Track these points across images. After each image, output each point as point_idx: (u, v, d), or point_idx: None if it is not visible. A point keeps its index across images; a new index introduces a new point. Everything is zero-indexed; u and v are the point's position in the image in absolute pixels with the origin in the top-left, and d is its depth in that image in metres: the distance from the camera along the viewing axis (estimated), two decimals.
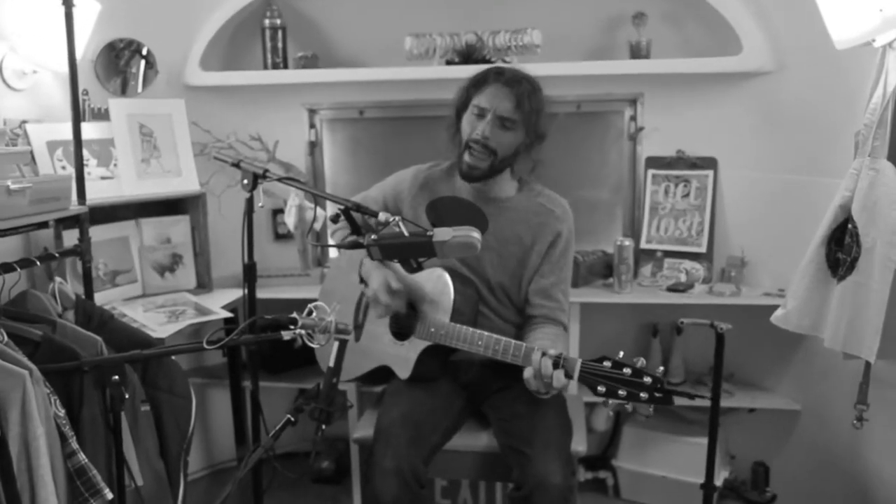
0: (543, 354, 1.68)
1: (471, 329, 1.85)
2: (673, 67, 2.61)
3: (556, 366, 1.66)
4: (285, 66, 2.82)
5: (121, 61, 2.68)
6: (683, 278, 2.71)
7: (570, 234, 2.03)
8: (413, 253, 1.67)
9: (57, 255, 2.03)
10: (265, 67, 2.82)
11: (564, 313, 2.02)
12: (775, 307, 2.12)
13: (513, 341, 1.79)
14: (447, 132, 1.99)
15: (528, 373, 1.70)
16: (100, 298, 2.32)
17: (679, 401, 1.64)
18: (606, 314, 2.79)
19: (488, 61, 2.64)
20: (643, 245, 2.81)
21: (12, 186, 1.79)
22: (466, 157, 1.91)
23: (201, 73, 2.77)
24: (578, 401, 2.29)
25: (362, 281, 1.97)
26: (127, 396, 1.58)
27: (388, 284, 1.87)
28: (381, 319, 2.00)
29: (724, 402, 2.37)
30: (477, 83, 1.92)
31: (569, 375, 1.65)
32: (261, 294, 2.06)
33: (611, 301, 2.62)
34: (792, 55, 2.52)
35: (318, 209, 2.28)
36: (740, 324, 2.05)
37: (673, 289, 2.62)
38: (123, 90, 2.70)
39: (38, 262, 1.92)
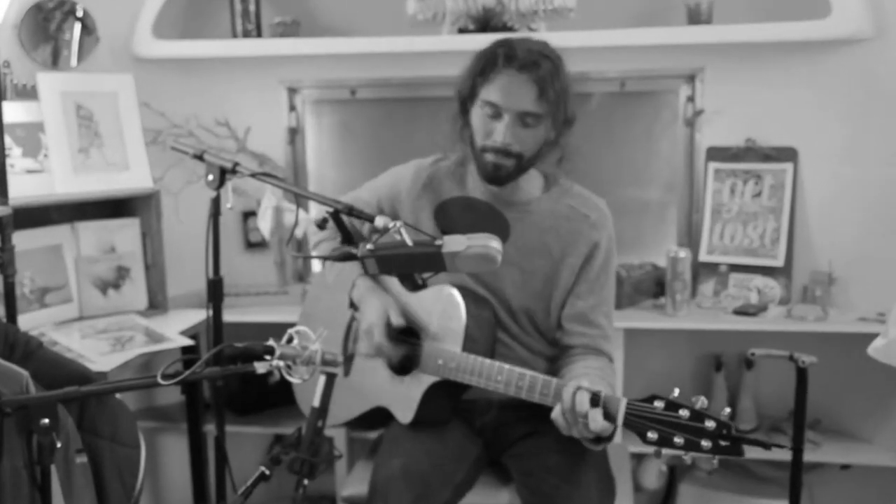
0: (579, 388, 1.67)
1: (488, 361, 1.84)
2: (741, 35, 2.60)
3: (594, 404, 1.64)
4: (259, 35, 2.83)
5: (51, 25, 2.68)
6: (755, 299, 2.70)
7: (611, 243, 2.02)
8: (418, 266, 1.66)
9: None
10: (234, 36, 2.83)
11: (609, 341, 2.01)
12: (874, 336, 2.10)
13: (541, 376, 1.78)
14: (452, 125, 1.98)
15: (556, 411, 1.69)
16: (25, 322, 2.31)
17: (751, 452, 1.61)
18: (657, 343, 2.78)
19: (510, 29, 2.64)
20: (703, 257, 2.80)
21: None
22: (489, 157, 1.90)
23: (154, 41, 2.77)
24: (623, 451, 2.27)
25: (353, 305, 1.97)
26: (59, 445, 1.57)
27: (388, 320, 1.87)
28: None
29: (809, 456, 2.34)
30: (483, 70, 1.88)
31: (611, 418, 1.64)
32: (228, 316, 2.05)
33: (662, 326, 2.61)
34: None
35: (300, 212, 2.28)
36: (828, 356, 2.03)
37: (741, 311, 2.61)
38: (55, 62, 2.70)
39: None
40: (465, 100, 1.93)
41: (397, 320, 1.88)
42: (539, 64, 1.84)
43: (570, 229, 1.99)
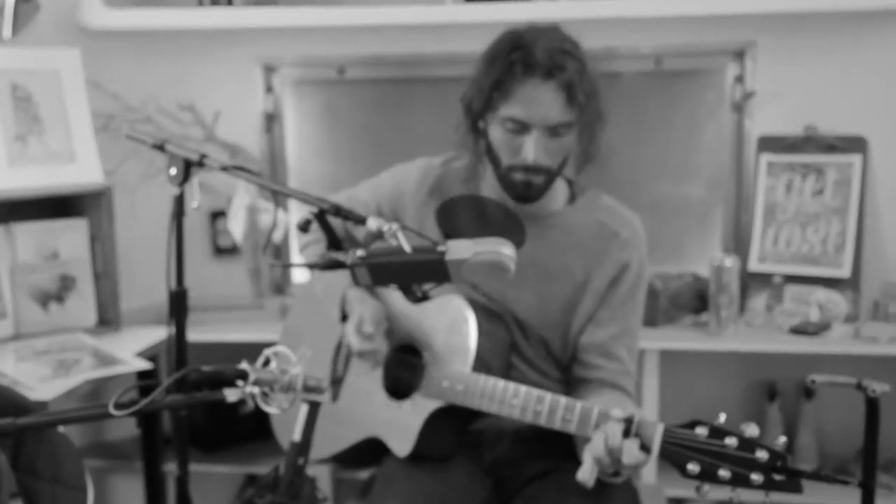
0: (608, 417, 1.67)
1: (501, 382, 1.85)
2: (799, 3, 2.61)
3: (626, 433, 1.65)
4: (230, 3, 2.84)
5: None
6: (815, 316, 2.70)
7: (642, 265, 2.02)
8: (417, 276, 1.66)
9: None
10: (200, 4, 2.84)
11: (630, 377, 2.01)
12: None
13: (562, 399, 1.78)
14: (466, 135, 1.97)
15: (589, 456, 1.69)
16: None
17: (810, 495, 1.61)
18: (699, 367, 2.79)
19: None
20: (754, 266, 2.81)
21: None
22: (518, 177, 1.90)
23: (105, 10, 2.78)
24: (657, 493, 2.29)
25: (345, 318, 1.98)
26: None
27: (361, 324, 1.89)
28: (371, 372, 2.01)
29: (883, 502, 2.33)
30: (500, 83, 1.87)
31: (646, 447, 1.64)
32: (193, 335, 2.05)
33: (705, 347, 2.62)
34: None
35: (279, 212, 2.28)
36: None
37: (799, 330, 2.62)
38: None
39: None
40: (479, 114, 1.93)
41: (368, 328, 1.89)
42: (563, 66, 1.83)
43: (596, 248, 1.99)
